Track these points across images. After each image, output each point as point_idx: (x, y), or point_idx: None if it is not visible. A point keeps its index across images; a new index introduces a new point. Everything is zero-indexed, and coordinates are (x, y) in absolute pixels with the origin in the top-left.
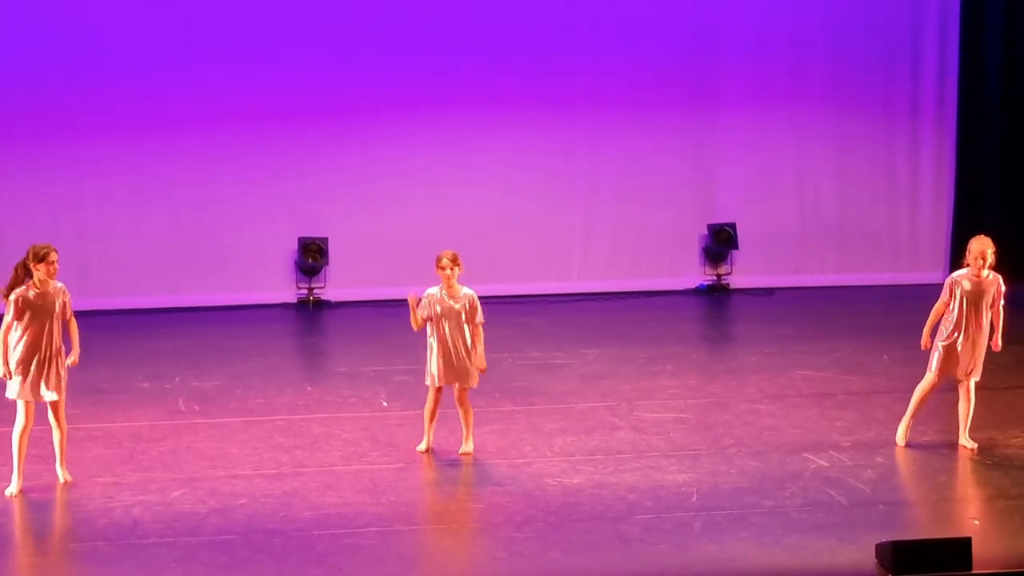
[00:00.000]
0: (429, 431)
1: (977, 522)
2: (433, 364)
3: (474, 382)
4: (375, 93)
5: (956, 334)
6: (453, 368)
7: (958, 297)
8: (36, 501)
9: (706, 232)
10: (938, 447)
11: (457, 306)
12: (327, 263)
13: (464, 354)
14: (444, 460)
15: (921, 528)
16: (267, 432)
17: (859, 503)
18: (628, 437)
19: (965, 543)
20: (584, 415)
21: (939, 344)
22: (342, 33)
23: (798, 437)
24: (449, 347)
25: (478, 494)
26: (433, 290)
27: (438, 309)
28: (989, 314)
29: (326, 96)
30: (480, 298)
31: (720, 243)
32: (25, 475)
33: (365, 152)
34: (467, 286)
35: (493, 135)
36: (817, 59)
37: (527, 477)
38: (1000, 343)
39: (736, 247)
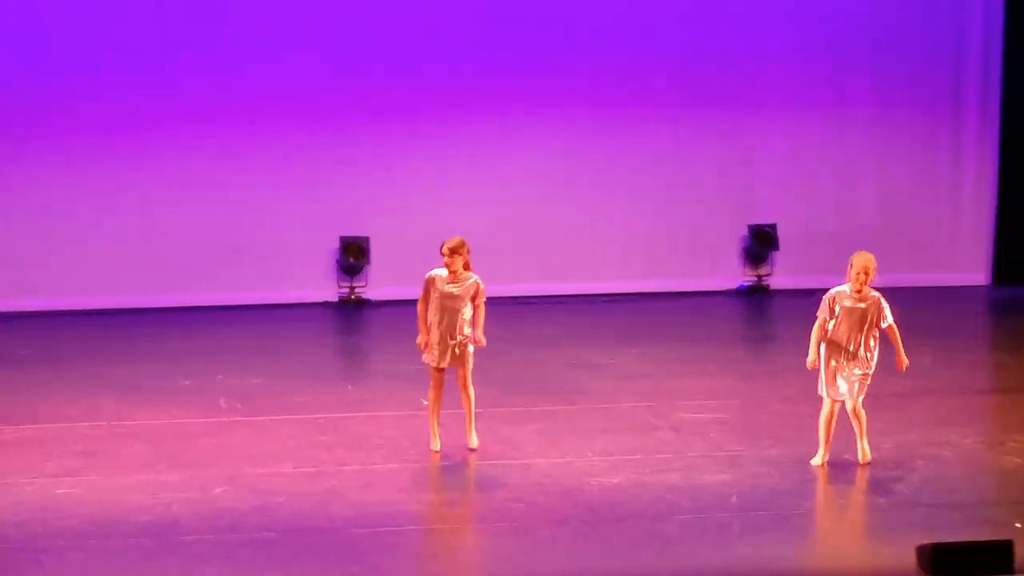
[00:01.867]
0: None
1: (1019, 525)
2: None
3: (468, 362)
4: (416, 92)
5: (838, 355)
6: (449, 351)
7: (839, 315)
8: (76, 497)
9: (746, 233)
10: (979, 450)
11: (457, 291)
12: (368, 262)
13: (460, 338)
14: (484, 459)
15: (962, 531)
16: (307, 430)
17: (900, 505)
18: (668, 437)
19: (1007, 546)
20: (624, 415)
21: (823, 366)
22: (383, 32)
23: (838, 439)
24: (444, 330)
25: (518, 493)
26: (437, 271)
27: (438, 293)
28: (876, 333)
29: (368, 95)
30: (519, 298)
31: (760, 244)
32: (68, 471)
33: (407, 151)
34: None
35: (533, 134)
36: (858, 57)
37: (567, 476)
38: (904, 360)
39: (777, 248)
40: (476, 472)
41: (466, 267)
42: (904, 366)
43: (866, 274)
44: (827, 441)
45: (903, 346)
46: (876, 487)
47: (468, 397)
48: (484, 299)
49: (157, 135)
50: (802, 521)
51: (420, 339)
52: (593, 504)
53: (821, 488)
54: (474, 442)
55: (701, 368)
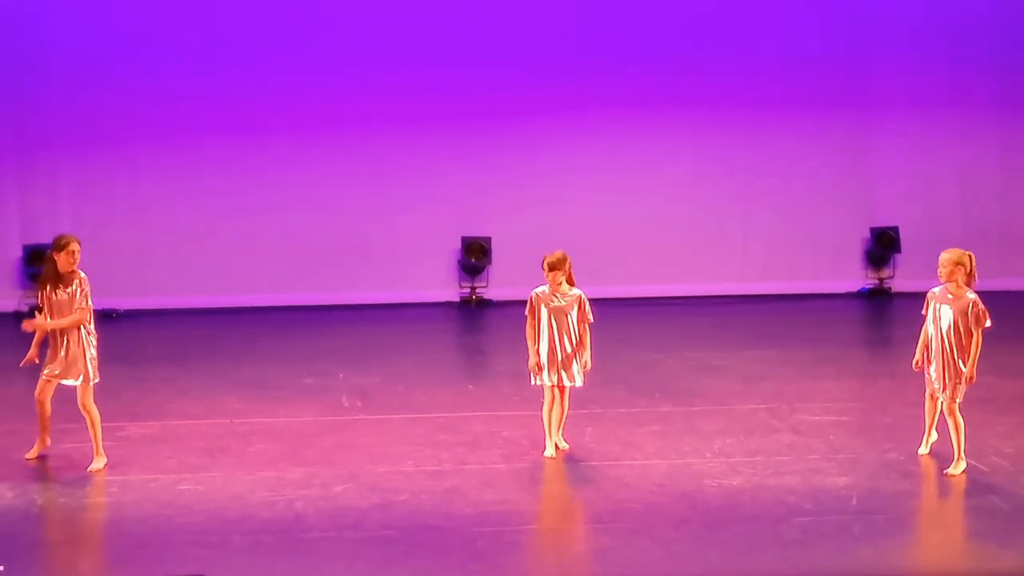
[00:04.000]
0: (550, 434)
1: None
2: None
3: (579, 380)
4: (538, 95)
5: (931, 352)
6: (556, 365)
7: (932, 314)
8: (199, 494)
9: (868, 235)
10: None
11: (563, 303)
12: (490, 262)
13: (570, 351)
14: (603, 460)
15: None
16: (428, 429)
17: (1021, 508)
18: (788, 439)
19: None
20: (744, 417)
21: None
22: (505, 36)
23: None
24: (555, 344)
25: (637, 494)
26: (540, 289)
27: (543, 307)
28: (974, 334)
29: (491, 97)
30: (639, 299)
31: (882, 246)
32: (191, 468)
33: (528, 152)
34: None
35: (652, 138)
36: (979, 57)
37: (686, 478)
38: (967, 373)
39: (899, 250)
40: (596, 472)
41: (569, 281)
42: (967, 378)
43: (948, 268)
44: (928, 428)
45: (977, 358)
46: (997, 490)
47: (563, 410)
48: (591, 318)
49: (283, 138)
50: (922, 524)
51: (532, 362)
52: (712, 506)
53: (941, 492)
54: (563, 444)
55: (821, 370)
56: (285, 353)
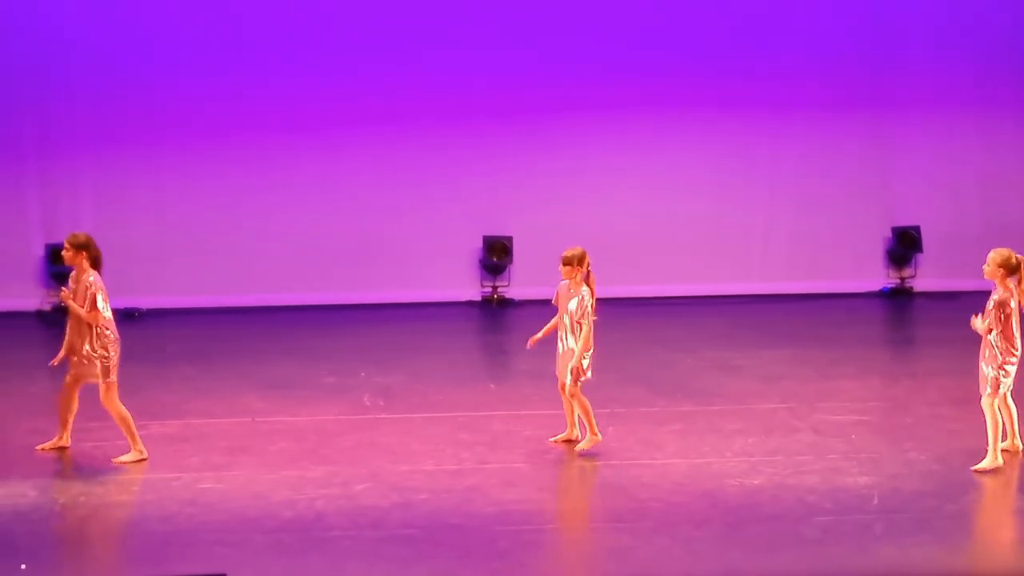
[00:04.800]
0: (590, 426)
1: None
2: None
3: (566, 378)
4: (560, 94)
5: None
6: (558, 361)
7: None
8: (220, 492)
9: (890, 235)
10: None
11: (569, 304)
12: (511, 262)
13: (565, 350)
14: (624, 459)
15: None
16: (449, 428)
17: None
18: (808, 439)
19: None
20: (764, 416)
21: None
22: (527, 34)
23: (981, 442)
24: (559, 340)
25: (658, 493)
26: (563, 283)
27: (559, 304)
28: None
29: (512, 97)
30: (658, 298)
31: (904, 246)
32: (213, 467)
33: (550, 152)
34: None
35: (673, 137)
36: (1001, 57)
37: (706, 477)
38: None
39: (920, 250)
40: (617, 472)
41: (586, 280)
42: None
43: (991, 268)
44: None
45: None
46: (1020, 490)
47: (572, 406)
48: (590, 319)
49: (304, 138)
50: (944, 524)
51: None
52: (733, 505)
53: (963, 491)
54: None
55: (842, 370)
56: (306, 352)
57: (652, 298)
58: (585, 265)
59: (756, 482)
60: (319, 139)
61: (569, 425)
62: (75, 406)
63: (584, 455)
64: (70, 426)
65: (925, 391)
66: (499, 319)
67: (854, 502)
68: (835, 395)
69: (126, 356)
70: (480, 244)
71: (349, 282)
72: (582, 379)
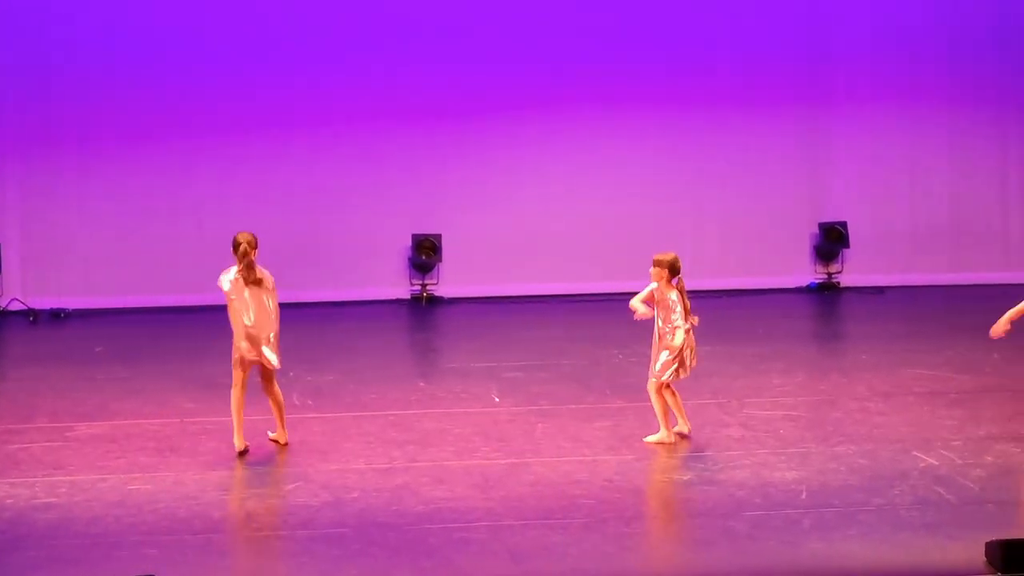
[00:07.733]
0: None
1: None
2: None
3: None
4: (490, 93)
5: None
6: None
7: None
8: (149, 493)
9: (817, 230)
10: None
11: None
12: (440, 260)
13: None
14: (553, 456)
15: None
16: (379, 427)
17: (969, 502)
18: (737, 434)
19: None
20: (694, 412)
21: None
22: (459, 34)
23: (908, 435)
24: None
25: (588, 489)
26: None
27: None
28: None
29: (441, 95)
30: (586, 295)
31: (831, 241)
32: (141, 468)
33: (480, 150)
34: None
35: (603, 134)
36: (931, 55)
37: (636, 473)
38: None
39: (847, 245)
40: (546, 469)
41: (668, 284)
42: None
43: None
44: None
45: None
46: (945, 484)
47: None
48: (672, 320)
49: (229, 138)
50: (871, 518)
51: None
52: (663, 501)
53: (890, 485)
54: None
55: (771, 365)
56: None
57: (582, 295)
58: (666, 266)
59: (686, 478)
60: (247, 140)
61: (681, 419)
62: None
63: (651, 444)
64: None
65: (853, 385)
66: (428, 317)
67: (783, 497)
68: (764, 390)
69: (52, 357)
70: (409, 242)
71: (277, 280)
72: (663, 379)
